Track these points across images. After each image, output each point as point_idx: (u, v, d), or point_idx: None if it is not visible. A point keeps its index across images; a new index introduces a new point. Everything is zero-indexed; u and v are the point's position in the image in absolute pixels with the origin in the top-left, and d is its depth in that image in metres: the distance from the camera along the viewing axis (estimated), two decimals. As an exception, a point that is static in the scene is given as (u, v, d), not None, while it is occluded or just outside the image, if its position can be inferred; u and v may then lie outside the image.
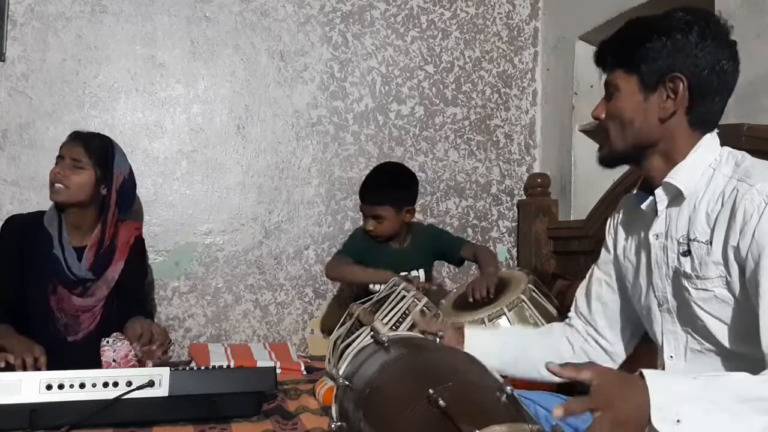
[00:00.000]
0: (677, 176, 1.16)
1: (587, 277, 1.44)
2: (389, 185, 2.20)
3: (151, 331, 1.75)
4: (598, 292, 1.40)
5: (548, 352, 1.40)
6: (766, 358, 1.00)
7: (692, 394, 0.92)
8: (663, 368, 1.23)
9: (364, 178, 2.29)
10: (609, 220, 1.42)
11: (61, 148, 1.93)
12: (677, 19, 1.15)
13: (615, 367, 1.38)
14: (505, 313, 1.83)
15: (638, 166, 1.24)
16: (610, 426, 0.88)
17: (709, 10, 1.17)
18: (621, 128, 1.20)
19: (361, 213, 2.27)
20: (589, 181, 2.59)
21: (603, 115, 1.22)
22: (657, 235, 1.21)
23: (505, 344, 1.43)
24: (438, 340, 1.27)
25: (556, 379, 1.36)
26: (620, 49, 1.20)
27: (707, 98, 1.14)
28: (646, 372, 0.93)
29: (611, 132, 1.22)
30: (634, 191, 1.30)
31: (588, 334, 1.40)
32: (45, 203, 2.00)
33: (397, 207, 2.18)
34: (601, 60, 1.25)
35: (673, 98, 1.14)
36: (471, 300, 1.92)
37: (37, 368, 1.58)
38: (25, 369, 1.56)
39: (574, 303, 1.45)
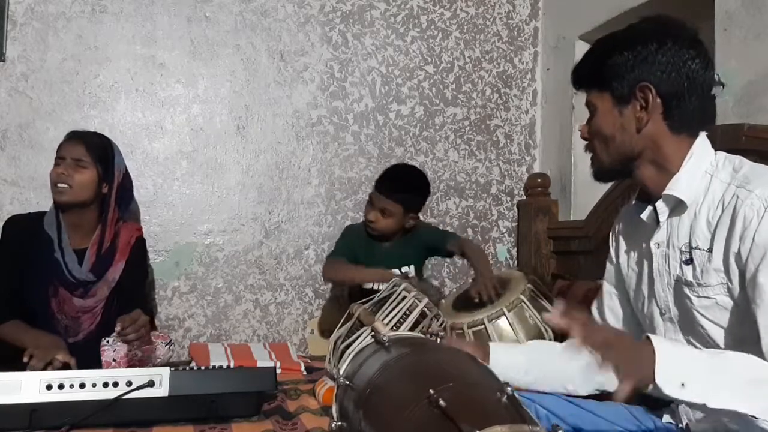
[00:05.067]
0: (676, 187, 1.17)
1: (599, 292, 1.45)
2: (409, 186, 2.20)
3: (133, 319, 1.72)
4: (610, 305, 1.41)
5: (575, 365, 1.38)
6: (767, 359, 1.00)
7: (697, 362, 0.94)
8: None
9: (386, 169, 2.29)
10: (611, 232, 1.43)
11: (59, 149, 1.92)
12: (637, 30, 1.18)
13: None
14: (504, 314, 1.84)
15: (631, 177, 1.25)
16: (633, 379, 0.89)
17: (670, 15, 1.18)
18: (604, 145, 1.22)
19: (369, 203, 2.24)
20: (589, 181, 2.55)
21: (587, 135, 1.26)
22: (658, 244, 1.22)
23: (531, 360, 1.40)
24: (439, 340, 1.27)
25: (582, 393, 1.35)
26: (590, 70, 1.24)
27: (681, 100, 1.15)
28: (653, 336, 0.94)
29: (597, 149, 1.25)
30: (633, 202, 1.30)
31: None
32: (45, 203, 2.00)
33: (405, 209, 2.19)
34: (576, 82, 1.28)
35: (645, 107, 1.16)
36: (477, 301, 1.92)
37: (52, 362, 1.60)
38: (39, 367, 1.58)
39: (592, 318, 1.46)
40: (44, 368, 1.58)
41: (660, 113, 1.16)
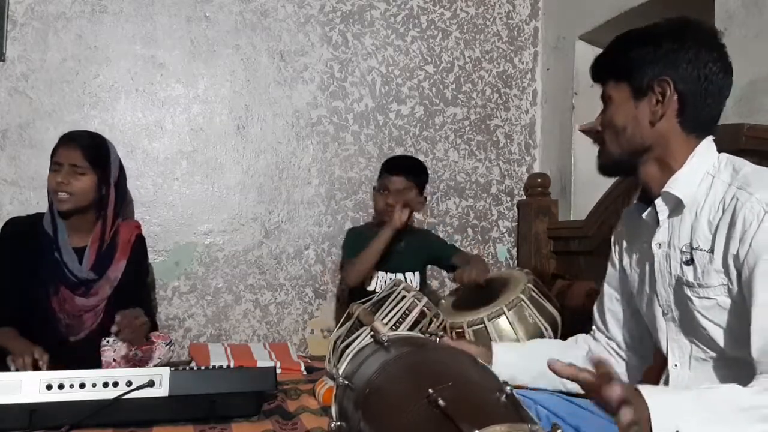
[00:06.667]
0: (675, 185, 1.17)
1: (600, 293, 1.45)
2: (417, 167, 2.30)
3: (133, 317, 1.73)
4: (611, 307, 1.41)
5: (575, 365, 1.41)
6: (756, 365, 1.01)
7: (689, 407, 0.94)
8: (667, 377, 1.24)
9: (386, 159, 2.36)
10: (612, 234, 1.43)
11: (56, 154, 1.90)
12: (663, 27, 1.19)
13: (638, 379, 1.39)
14: (504, 313, 1.84)
15: (635, 174, 1.25)
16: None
17: (694, 18, 1.20)
18: (615, 136, 1.22)
19: (379, 193, 2.25)
20: (589, 181, 2.59)
21: (599, 127, 1.26)
22: (659, 244, 1.22)
23: (532, 359, 1.41)
24: (438, 339, 1.27)
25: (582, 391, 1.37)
26: (610, 61, 1.25)
27: (698, 101, 1.16)
28: (642, 388, 0.93)
29: (607, 140, 1.25)
30: (634, 202, 1.31)
31: (610, 348, 1.41)
32: (45, 203, 2.00)
33: (418, 188, 2.25)
34: (596, 74, 1.29)
35: (661, 101, 1.16)
36: (457, 282, 1.96)
37: (36, 369, 1.58)
38: (28, 369, 1.57)
39: (593, 319, 1.46)
40: (35, 368, 1.58)
41: (675, 110, 1.17)
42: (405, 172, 2.22)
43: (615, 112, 1.21)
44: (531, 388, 1.33)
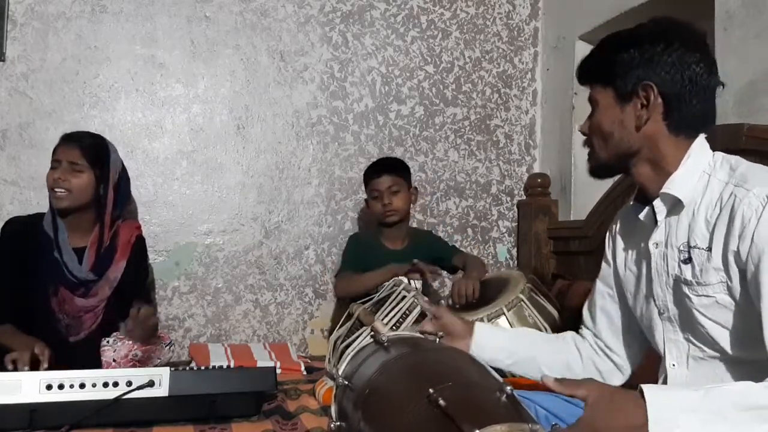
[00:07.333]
0: (673, 186, 1.18)
1: (591, 291, 1.45)
2: (397, 163, 2.35)
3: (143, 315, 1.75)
4: (603, 305, 1.41)
5: (557, 358, 1.41)
6: None
7: (690, 406, 0.93)
8: (665, 376, 1.24)
9: (368, 165, 2.39)
10: (607, 233, 1.44)
11: (55, 152, 1.92)
12: (646, 29, 1.20)
13: (624, 379, 1.39)
14: (504, 313, 1.84)
15: (628, 174, 1.26)
16: None
17: (678, 19, 1.20)
18: (603, 140, 1.23)
19: (373, 196, 2.29)
20: (589, 181, 2.56)
21: (587, 131, 1.27)
22: (656, 244, 1.22)
23: (515, 343, 1.44)
24: (438, 340, 1.27)
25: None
26: (596, 65, 1.25)
27: (683, 102, 1.16)
28: (644, 386, 0.93)
29: (595, 145, 1.26)
30: (631, 202, 1.31)
31: (597, 347, 1.41)
32: (45, 203, 2.00)
33: (408, 182, 2.30)
34: (582, 78, 1.29)
35: (646, 105, 1.17)
36: (456, 306, 1.94)
37: (36, 364, 1.59)
38: (36, 366, 1.57)
39: (583, 317, 1.46)
40: (34, 368, 1.59)
41: (660, 113, 1.17)
42: (387, 170, 2.27)
43: (602, 116, 1.22)
44: (526, 387, 1.33)
